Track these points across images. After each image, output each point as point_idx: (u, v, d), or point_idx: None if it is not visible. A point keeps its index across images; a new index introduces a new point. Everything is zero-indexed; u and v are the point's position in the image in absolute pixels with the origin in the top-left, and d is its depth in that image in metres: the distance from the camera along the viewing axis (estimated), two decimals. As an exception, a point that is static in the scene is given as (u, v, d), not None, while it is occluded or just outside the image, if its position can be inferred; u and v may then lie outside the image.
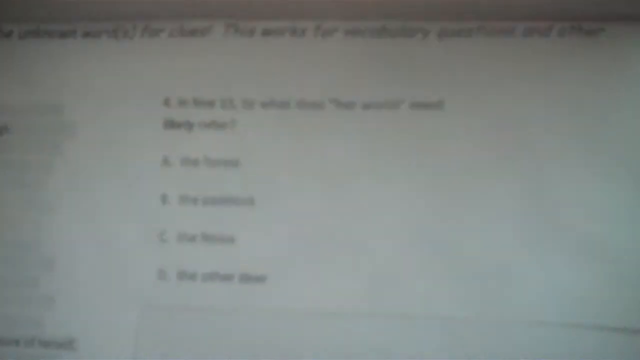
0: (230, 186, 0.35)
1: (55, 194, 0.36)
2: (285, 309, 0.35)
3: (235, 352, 0.34)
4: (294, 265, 0.35)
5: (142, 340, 0.35)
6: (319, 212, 0.35)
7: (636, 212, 0.34)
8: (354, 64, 0.35)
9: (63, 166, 0.36)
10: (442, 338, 0.34)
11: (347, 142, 0.35)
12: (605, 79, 0.34)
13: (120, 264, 0.35)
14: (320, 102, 0.35)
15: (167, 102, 0.36)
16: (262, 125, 0.35)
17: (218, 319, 0.35)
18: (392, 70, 0.35)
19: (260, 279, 0.35)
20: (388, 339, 0.34)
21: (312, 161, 0.35)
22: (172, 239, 0.35)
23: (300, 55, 0.35)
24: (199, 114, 0.36)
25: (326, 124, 0.35)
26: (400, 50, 0.35)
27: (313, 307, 0.34)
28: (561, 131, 0.34)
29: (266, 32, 0.36)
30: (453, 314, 0.34)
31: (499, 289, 0.34)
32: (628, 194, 0.34)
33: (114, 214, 0.35)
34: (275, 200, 0.35)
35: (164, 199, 0.35)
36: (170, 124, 0.36)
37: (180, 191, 0.35)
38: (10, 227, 0.36)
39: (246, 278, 0.35)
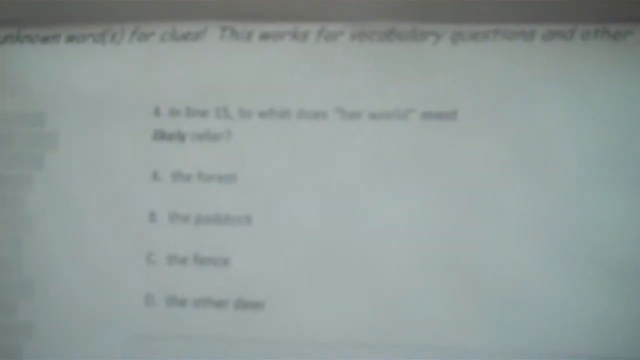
0: (225, 203, 0.34)
1: (35, 211, 0.35)
2: (286, 339, 0.33)
3: (230, 386, 0.33)
4: (295, 291, 0.33)
5: (127, 372, 0.34)
6: (323, 232, 0.34)
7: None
8: (360, 70, 0.34)
9: (44, 181, 0.35)
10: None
11: (352, 155, 0.34)
12: (634, 86, 0.33)
13: (104, 288, 0.34)
14: (324, 112, 0.34)
15: (157, 112, 0.35)
16: (260, 136, 0.34)
17: (211, 349, 0.34)
18: (401, 77, 0.34)
19: (258, 305, 0.34)
20: (398, 372, 0.33)
21: (315, 176, 0.34)
22: (161, 260, 0.34)
23: (302, 61, 0.34)
24: (191, 125, 0.34)
25: (330, 136, 0.34)
26: (410, 55, 0.34)
27: (316, 337, 0.33)
28: (586, 143, 0.33)
29: (265, 36, 0.35)
30: (469, 343, 0.33)
31: (520, 316, 0.33)
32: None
33: (98, 233, 0.34)
34: (275, 219, 0.34)
35: (152, 217, 0.34)
36: (161, 135, 0.35)
37: (171, 208, 0.34)
38: (-15, 247, 0.35)
39: (242, 304, 0.34)
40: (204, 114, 0.34)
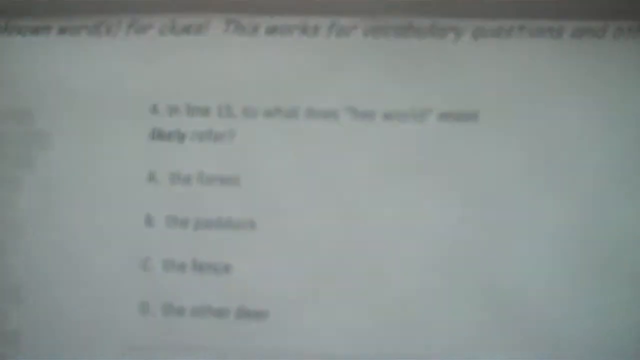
0: (227, 207, 0.33)
1: (23, 214, 0.34)
2: (290, 351, 0.33)
3: (231, 400, 0.32)
4: (300, 300, 0.33)
5: (121, 386, 0.33)
6: (331, 239, 0.33)
7: None
8: (374, 68, 0.33)
9: (34, 182, 0.34)
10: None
11: (364, 158, 0.33)
12: (669, 87, 0.32)
13: (97, 295, 0.34)
14: (334, 111, 0.33)
15: (154, 109, 0.34)
16: (266, 137, 0.33)
17: None
18: (418, 76, 0.33)
19: (261, 315, 0.33)
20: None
21: (323, 180, 0.33)
22: (158, 267, 0.34)
23: (312, 57, 0.33)
24: (191, 123, 0.34)
25: (340, 137, 0.33)
26: (428, 52, 0.33)
27: (322, 348, 0.33)
28: (618, 146, 0.32)
29: (272, 30, 0.34)
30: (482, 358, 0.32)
31: (545, 333, 0.32)
32: None
33: (91, 237, 0.34)
34: (280, 224, 0.33)
35: (148, 220, 0.34)
36: (159, 135, 0.34)
37: (168, 212, 0.34)
38: (-29, 251, 0.34)
39: (244, 314, 0.33)
40: (205, 112, 0.34)
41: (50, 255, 0.34)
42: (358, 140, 0.33)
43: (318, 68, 0.33)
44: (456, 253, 0.32)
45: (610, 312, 0.32)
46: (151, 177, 0.34)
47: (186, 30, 0.34)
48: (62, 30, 0.35)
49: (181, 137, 0.34)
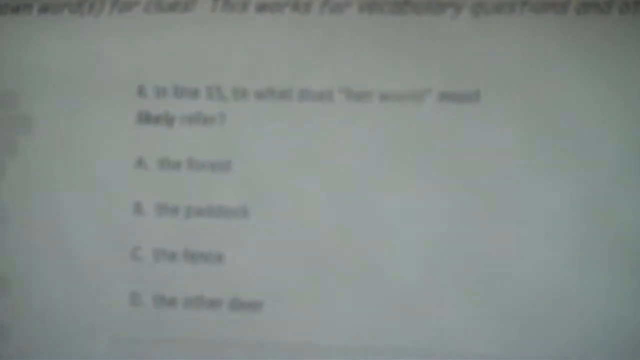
0: (218, 193, 0.33)
1: (7, 201, 0.34)
2: (285, 343, 0.32)
3: (224, 395, 0.33)
4: (295, 290, 0.32)
5: (111, 379, 0.33)
6: (326, 226, 0.32)
7: None
8: (369, 46, 0.32)
9: (17, 168, 0.34)
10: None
11: (360, 140, 0.32)
12: (679, 65, 0.32)
13: (85, 286, 0.33)
14: (329, 92, 0.32)
15: (141, 92, 0.33)
16: (258, 119, 0.33)
17: (203, 353, 0.33)
18: (416, 54, 0.32)
19: (255, 305, 0.33)
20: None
21: (318, 164, 0.32)
22: (148, 256, 0.33)
23: (304, 35, 0.33)
24: (180, 106, 0.33)
25: (335, 119, 0.32)
26: (426, 29, 0.32)
27: (318, 340, 0.32)
28: (626, 130, 0.31)
29: (262, 7, 0.33)
30: (485, 352, 0.32)
31: (549, 324, 0.31)
32: None
33: (77, 226, 0.33)
34: (273, 211, 0.32)
35: (137, 208, 0.33)
36: (146, 118, 0.33)
37: (158, 199, 0.33)
38: (-48, 242, 0.34)
39: (238, 304, 0.33)
40: (194, 94, 0.33)
41: (36, 245, 0.33)
42: (354, 122, 0.32)
43: (311, 47, 0.33)
44: (457, 240, 0.32)
45: (615, 304, 0.31)
46: (139, 163, 0.33)
47: (172, 7, 0.33)
48: (43, 8, 0.34)
49: (169, 120, 0.33)
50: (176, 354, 0.33)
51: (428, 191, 0.32)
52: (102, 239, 0.33)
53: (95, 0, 0.33)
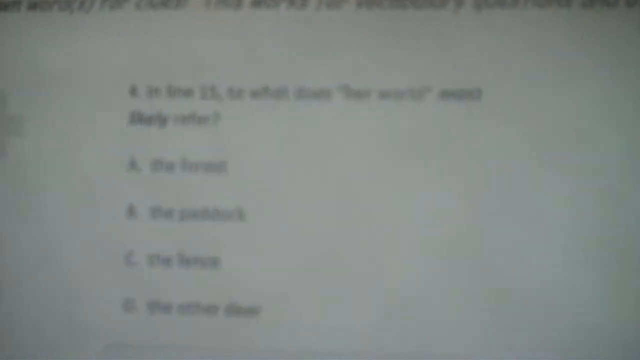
0: (213, 196, 0.32)
1: None
2: (283, 349, 0.32)
3: (221, 403, 0.33)
4: (293, 295, 0.32)
5: (104, 387, 0.33)
6: (324, 229, 0.32)
7: None
8: (368, 43, 0.32)
9: (6, 171, 0.33)
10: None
11: (359, 140, 0.32)
12: (687, 59, 0.31)
13: (78, 292, 0.33)
14: (327, 90, 0.32)
15: (134, 91, 0.33)
16: (253, 119, 0.32)
17: None
18: (416, 51, 0.32)
19: (252, 311, 0.32)
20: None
21: (316, 165, 0.32)
22: (142, 261, 0.33)
23: (301, 32, 0.32)
24: (173, 106, 0.33)
25: (333, 118, 0.32)
26: (427, 24, 0.32)
27: (317, 346, 0.32)
28: (632, 125, 0.31)
29: (257, 3, 0.33)
30: (488, 355, 0.31)
31: (552, 328, 0.31)
32: None
33: (69, 230, 0.33)
34: (270, 214, 0.32)
35: (131, 211, 0.33)
36: (138, 118, 0.33)
37: (151, 202, 0.33)
38: (-59, 246, 0.34)
39: (234, 310, 0.32)
40: (187, 93, 0.33)
41: (27, 249, 0.33)
42: (353, 122, 0.32)
43: (308, 44, 0.32)
44: (458, 242, 0.31)
45: (621, 305, 0.31)
46: (132, 165, 0.33)
47: (165, 4, 0.33)
48: (32, 6, 0.33)
49: (162, 121, 0.33)
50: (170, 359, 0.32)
51: (428, 192, 0.32)
52: (94, 243, 0.33)
53: (86, -3, 0.33)
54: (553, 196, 0.31)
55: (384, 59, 0.32)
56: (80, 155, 0.33)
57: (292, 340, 0.32)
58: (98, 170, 0.33)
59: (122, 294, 0.33)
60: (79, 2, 0.33)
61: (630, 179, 0.31)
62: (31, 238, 0.33)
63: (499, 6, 0.32)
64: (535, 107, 0.31)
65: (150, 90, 0.33)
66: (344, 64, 0.32)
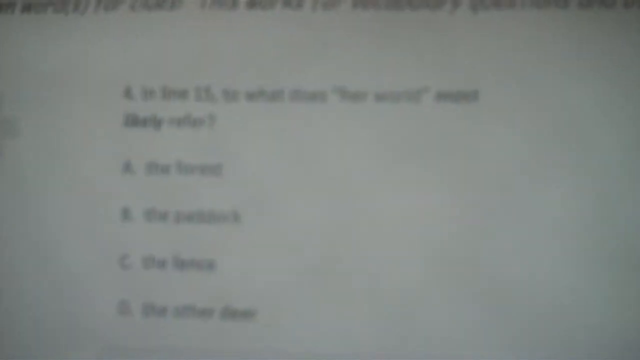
0: (209, 198, 0.32)
1: None
2: (278, 352, 0.32)
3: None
4: (289, 298, 0.32)
5: (100, 391, 0.33)
6: (321, 232, 0.32)
7: None
8: (364, 44, 0.32)
9: (1, 173, 0.33)
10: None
11: (356, 142, 0.32)
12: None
13: (73, 295, 0.33)
14: (322, 93, 0.32)
15: (128, 93, 0.33)
16: (249, 121, 0.32)
17: None
18: (412, 52, 0.32)
19: (248, 314, 0.32)
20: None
21: (312, 167, 0.32)
22: (137, 264, 0.33)
23: (296, 33, 0.32)
24: (168, 108, 0.33)
25: (329, 120, 0.32)
26: (423, 25, 0.32)
27: (313, 349, 0.32)
28: (631, 126, 0.31)
29: (252, 3, 0.33)
30: (487, 356, 0.31)
31: (550, 329, 0.31)
32: None
33: (64, 233, 0.33)
34: (266, 216, 0.32)
35: (125, 214, 0.33)
36: (133, 121, 0.33)
37: (146, 204, 0.33)
38: None
39: (230, 313, 0.32)
40: (182, 95, 0.33)
41: (22, 252, 0.33)
42: (348, 124, 0.32)
43: (303, 45, 0.32)
44: (455, 242, 0.31)
45: (619, 306, 0.31)
46: (127, 167, 0.33)
47: (159, 5, 0.33)
48: (26, 7, 0.34)
49: (157, 123, 0.33)
50: (167, 364, 0.32)
51: (425, 194, 0.31)
52: (89, 245, 0.33)
53: (80, -1, 0.33)
54: (551, 196, 0.31)
55: (380, 60, 0.32)
56: (75, 157, 0.33)
57: (288, 342, 0.32)
58: (93, 172, 0.33)
59: (117, 296, 0.32)
60: (74, 4, 0.33)
61: (625, 179, 0.31)
62: (26, 241, 0.33)
63: (495, 7, 0.32)
64: (532, 108, 0.31)
65: (145, 92, 0.33)
66: (339, 66, 0.32)
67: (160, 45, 0.33)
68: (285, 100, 0.32)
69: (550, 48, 0.31)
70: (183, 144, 0.32)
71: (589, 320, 0.31)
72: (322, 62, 0.32)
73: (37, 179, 0.33)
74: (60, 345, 0.33)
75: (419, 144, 0.31)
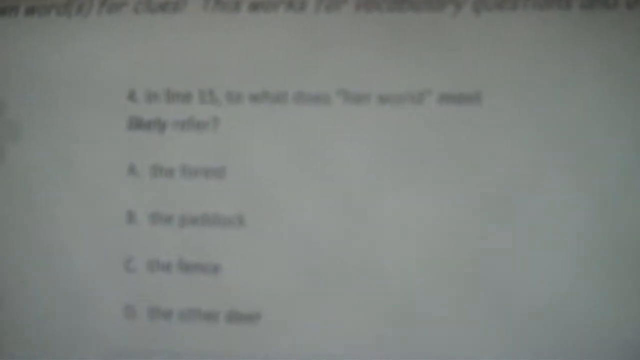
0: (213, 201, 0.32)
1: None
2: (283, 355, 0.32)
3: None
4: (293, 301, 0.32)
5: (105, 394, 0.32)
6: (325, 234, 0.31)
7: None
8: (367, 46, 0.32)
9: (4, 176, 0.33)
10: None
11: (359, 145, 0.31)
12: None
13: (78, 299, 0.33)
14: (325, 95, 0.32)
15: (132, 96, 0.32)
16: (252, 124, 0.32)
17: None
18: (415, 54, 0.31)
19: (252, 317, 0.32)
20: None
21: (315, 170, 0.32)
22: (142, 267, 0.32)
23: (299, 35, 0.32)
24: (172, 111, 0.32)
25: (332, 122, 0.32)
26: (425, 27, 0.31)
27: (318, 352, 0.32)
28: (633, 127, 0.30)
29: (255, 6, 0.32)
30: (490, 357, 0.31)
31: (554, 332, 0.31)
32: None
33: (69, 236, 0.33)
34: (270, 219, 0.32)
35: (130, 217, 0.32)
36: (137, 124, 0.32)
37: (151, 208, 0.32)
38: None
39: (235, 316, 0.32)
40: (186, 98, 0.32)
41: (27, 255, 0.33)
42: (352, 126, 0.32)
43: (306, 47, 0.32)
44: (457, 245, 0.31)
45: (626, 308, 0.30)
46: (131, 170, 0.32)
47: (162, 7, 0.33)
48: (30, 10, 0.33)
49: (161, 126, 0.32)
50: (172, 367, 0.32)
51: (428, 196, 0.31)
52: (94, 249, 0.32)
53: (83, 1, 0.33)
54: (554, 199, 0.31)
55: (382, 62, 0.32)
56: (79, 160, 0.33)
57: (292, 346, 0.32)
58: (97, 175, 0.32)
59: (123, 300, 0.32)
60: (77, 7, 0.33)
61: (630, 181, 0.30)
62: (31, 244, 0.33)
63: (497, 9, 0.31)
64: (536, 111, 0.31)
65: (149, 95, 0.32)
66: (342, 68, 0.32)
67: (163, 48, 0.32)
68: (289, 102, 0.32)
69: (552, 49, 0.31)
70: (187, 146, 0.32)
71: (593, 322, 0.30)
72: (325, 65, 0.32)
73: (41, 182, 0.33)
74: (66, 349, 0.32)
75: (421, 145, 0.31)
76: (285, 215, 0.32)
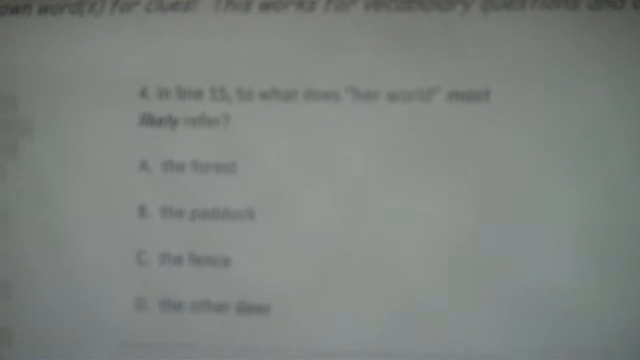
0: (224, 196, 0.32)
1: (8, 205, 0.33)
2: (293, 347, 0.32)
3: (231, 401, 0.32)
4: (303, 294, 0.32)
5: (117, 386, 0.32)
6: (334, 229, 0.31)
7: None
8: (376, 45, 0.32)
9: (17, 172, 0.33)
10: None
11: (368, 141, 0.31)
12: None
13: (90, 291, 0.33)
14: (335, 92, 0.32)
15: (144, 93, 0.32)
16: (263, 120, 0.32)
17: (210, 358, 0.32)
18: (424, 52, 0.31)
19: (262, 309, 0.32)
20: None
21: (325, 165, 0.32)
22: (153, 260, 0.32)
23: (309, 34, 0.32)
24: (183, 108, 0.32)
25: (342, 119, 0.32)
26: (434, 26, 0.31)
27: (327, 345, 0.32)
28: None
29: (266, 6, 0.32)
30: (496, 355, 0.31)
31: (562, 330, 0.31)
32: None
33: (81, 230, 0.33)
34: (280, 214, 0.32)
35: (142, 211, 0.32)
36: (149, 120, 0.32)
37: (162, 202, 0.32)
38: (-46, 247, 0.33)
39: (245, 308, 0.32)
40: (197, 95, 0.32)
41: (39, 249, 0.33)
42: (361, 123, 0.32)
43: (316, 46, 0.32)
44: (467, 244, 0.31)
45: (634, 306, 0.30)
46: (143, 166, 0.32)
47: (174, 6, 0.32)
48: (43, 9, 0.33)
49: (173, 122, 0.32)
50: (182, 357, 0.32)
51: (437, 193, 0.31)
52: (106, 243, 0.32)
53: (96, 0, 0.33)
54: (562, 196, 0.31)
55: (391, 60, 0.31)
56: (92, 156, 0.32)
57: (302, 338, 0.32)
58: (109, 171, 0.32)
59: (134, 293, 0.32)
60: (89, 5, 0.33)
61: (637, 180, 0.30)
62: (43, 238, 0.33)
63: (506, 8, 0.31)
64: (543, 109, 0.31)
65: (161, 92, 0.32)
66: (352, 66, 0.32)
67: (175, 46, 0.32)
68: (299, 99, 0.32)
69: (560, 49, 0.31)
70: (198, 143, 0.32)
71: (600, 320, 0.30)
72: (335, 63, 0.32)
73: (54, 178, 0.33)
74: (78, 341, 0.32)
75: (430, 143, 0.31)
76: (294, 209, 0.32)
